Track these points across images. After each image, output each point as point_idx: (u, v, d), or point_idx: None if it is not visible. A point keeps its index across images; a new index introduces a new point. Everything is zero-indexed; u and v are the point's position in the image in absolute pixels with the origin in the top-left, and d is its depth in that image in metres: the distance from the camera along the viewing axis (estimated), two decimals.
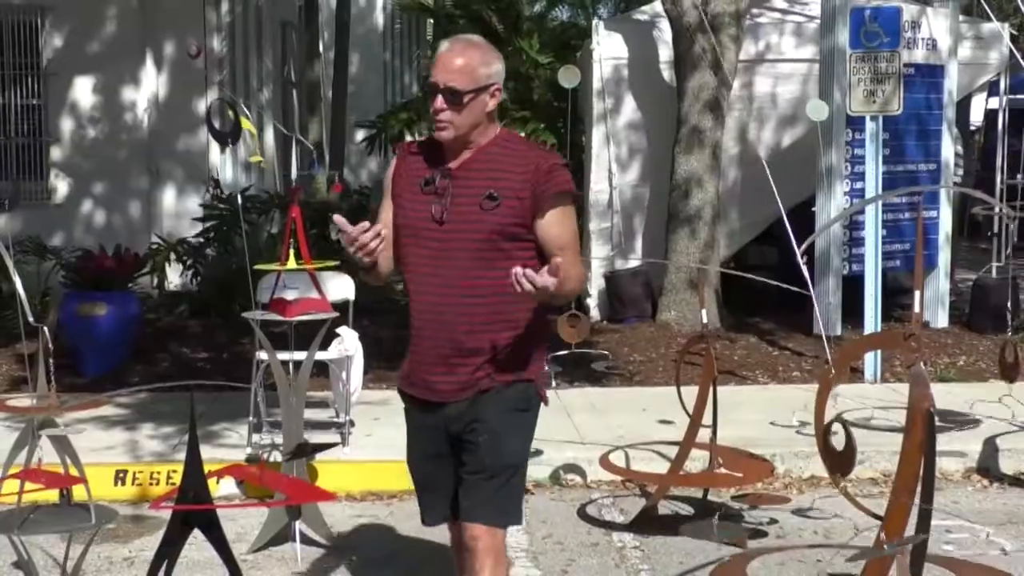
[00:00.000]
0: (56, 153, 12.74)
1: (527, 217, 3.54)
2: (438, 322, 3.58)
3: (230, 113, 5.64)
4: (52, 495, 3.26)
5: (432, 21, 16.93)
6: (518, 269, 3.28)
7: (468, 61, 3.55)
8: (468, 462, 3.63)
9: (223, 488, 6.01)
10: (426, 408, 3.69)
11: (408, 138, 14.75)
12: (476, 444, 3.59)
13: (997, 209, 10.13)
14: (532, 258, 3.54)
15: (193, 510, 3.21)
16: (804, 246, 5.43)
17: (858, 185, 9.60)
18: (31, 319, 3.93)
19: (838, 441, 4.38)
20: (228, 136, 5.50)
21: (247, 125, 6.00)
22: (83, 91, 12.69)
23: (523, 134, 12.57)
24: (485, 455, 3.58)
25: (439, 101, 3.52)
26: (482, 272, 3.53)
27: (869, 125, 9.00)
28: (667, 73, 11.02)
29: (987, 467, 6.84)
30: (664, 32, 10.93)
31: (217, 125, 6.05)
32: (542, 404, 3.73)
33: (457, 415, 3.63)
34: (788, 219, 7.79)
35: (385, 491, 6.38)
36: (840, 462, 5.27)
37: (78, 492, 3.57)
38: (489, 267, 3.52)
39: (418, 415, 3.74)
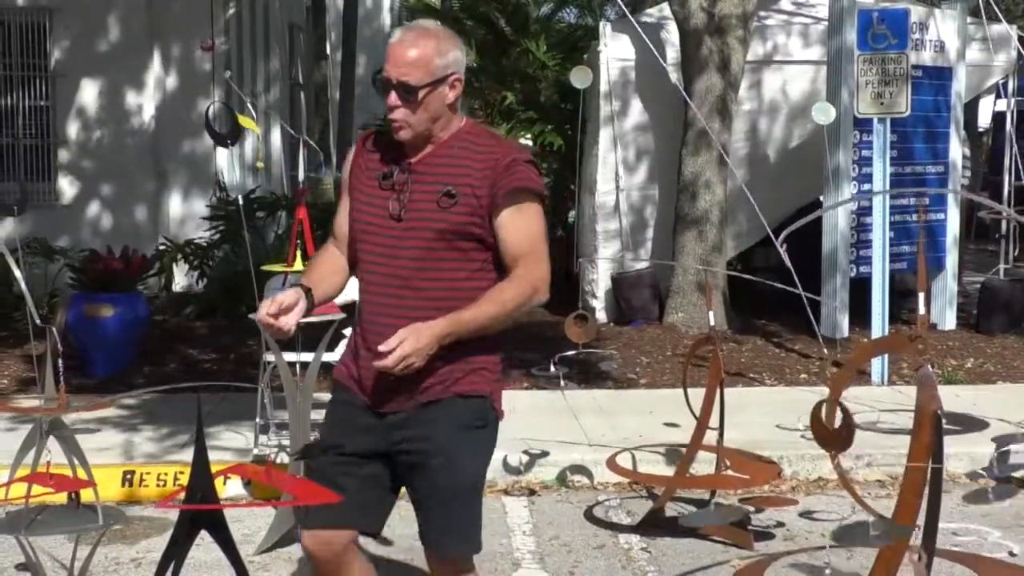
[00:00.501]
0: (63, 155, 12.75)
1: (485, 216, 3.29)
2: (389, 323, 3.27)
3: (229, 114, 5.64)
4: (60, 496, 3.26)
5: (439, 23, 16.95)
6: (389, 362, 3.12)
7: (422, 52, 3.27)
8: (420, 484, 3.37)
9: (230, 489, 6.02)
10: (364, 409, 3.39)
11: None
12: (428, 466, 3.32)
13: (1004, 214, 10.12)
14: (488, 260, 3.34)
15: (200, 511, 3.21)
16: (783, 235, 5.43)
17: (865, 186, 9.59)
18: (38, 321, 3.93)
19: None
20: (227, 137, 5.49)
21: (248, 123, 5.99)
22: (90, 93, 12.70)
23: (530, 136, 12.58)
24: (438, 477, 3.31)
25: (392, 98, 3.28)
26: (438, 273, 3.30)
27: (876, 127, 8.99)
28: (674, 75, 11.01)
29: (995, 470, 6.82)
30: (672, 34, 10.92)
31: (216, 127, 6.06)
32: (499, 420, 3.46)
33: (401, 423, 3.35)
34: (796, 217, 7.78)
35: None
36: (836, 438, 5.30)
37: (85, 493, 3.57)
38: (445, 268, 3.30)
39: (352, 410, 3.41)
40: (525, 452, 6.74)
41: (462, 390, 3.34)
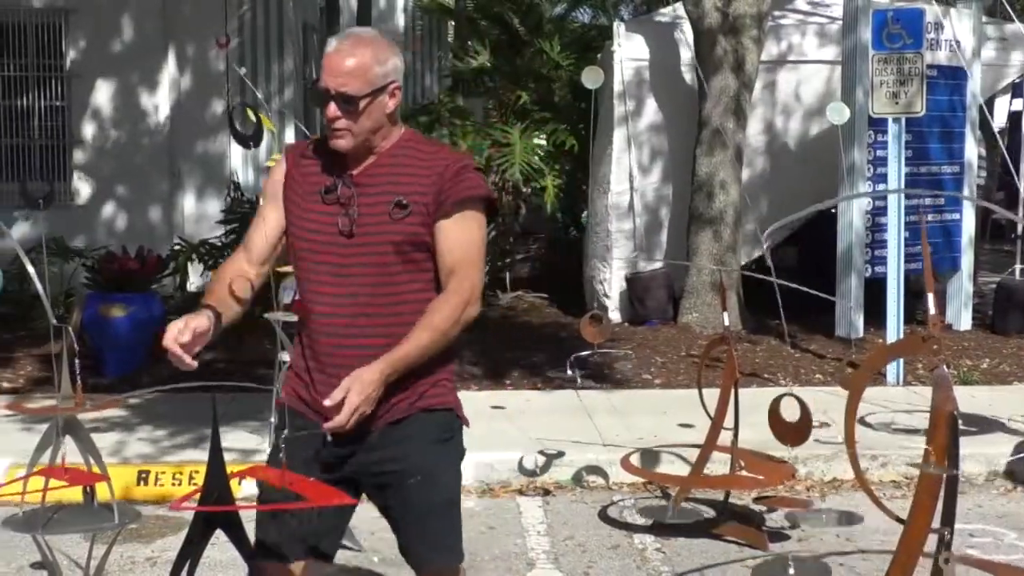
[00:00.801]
0: (79, 155, 12.78)
1: (431, 224, 3.19)
2: (342, 343, 3.19)
3: (251, 115, 5.63)
4: (76, 495, 3.27)
5: (453, 23, 16.93)
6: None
7: (360, 62, 3.15)
8: (396, 504, 3.27)
9: (245, 490, 6.03)
10: (322, 435, 3.17)
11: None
12: (404, 486, 3.22)
13: (1021, 221, 10.09)
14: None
15: (215, 511, 3.22)
16: (769, 230, 5.44)
17: (881, 186, 9.56)
18: (54, 320, 3.94)
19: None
20: (250, 139, 5.49)
21: (266, 123, 6.01)
22: (105, 93, 12.74)
23: (544, 136, 12.56)
24: (416, 496, 3.22)
25: (332, 109, 3.15)
26: (392, 288, 3.20)
27: (892, 127, 8.96)
28: (688, 75, 11.01)
29: (1011, 471, 6.80)
30: (686, 34, 10.91)
31: (239, 128, 6.06)
32: (464, 427, 3.37)
33: (370, 445, 3.21)
34: (810, 219, 7.76)
35: None
36: (793, 432, 5.34)
37: (101, 492, 3.58)
38: (400, 281, 3.20)
39: (308, 441, 3.21)
40: (540, 452, 6.74)
41: (427, 404, 3.25)
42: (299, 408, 3.31)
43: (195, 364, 3.06)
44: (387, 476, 3.24)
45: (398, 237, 3.18)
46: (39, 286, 3.49)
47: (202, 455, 3.60)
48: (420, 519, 3.25)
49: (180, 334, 3.04)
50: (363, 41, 3.20)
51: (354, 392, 3.01)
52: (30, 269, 3.22)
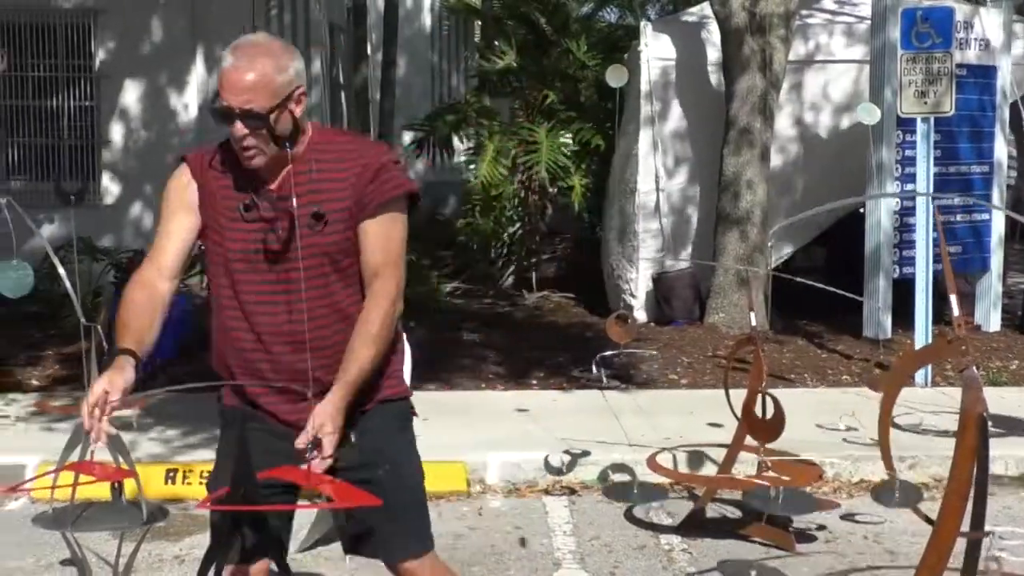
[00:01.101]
0: (107, 155, 12.86)
1: (355, 226, 3.13)
2: (290, 354, 3.15)
3: None
4: (105, 491, 3.28)
5: (480, 23, 16.94)
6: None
7: (261, 74, 2.99)
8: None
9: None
10: (275, 435, 3.20)
11: (407, 137, 14.69)
12: (372, 478, 3.15)
13: None
14: None
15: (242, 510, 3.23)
16: (775, 229, 5.42)
17: (909, 186, 9.52)
18: (83, 319, 3.96)
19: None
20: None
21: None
22: (134, 93, 12.81)
23: (570, 135, 12.56)
24: (386, 484, 3.17)
25: (239, 128, 3.02)
26: (330, 296, 3.16)
27: (920, 126, 8.92)
28: (715, 75, 10.99)
29: None
30: (713, 34, 10.89)
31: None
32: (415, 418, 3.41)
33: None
34: (839, 219, 7.72)
35: (432, 492, 6.33)
36: (766, 429, 5.35)
37: (130, 490, 3.60)
38: (336, 289, 3.16)
39: (267, 437, 3.19)
40: (566, 452, 6.73)
41: (385, 396, 3.27)
42: (234, 403, 3.34)
43: (113, 431, 2.96)
44: (352, 472, 3.17)
45: (321, 249, 3.12)
46: (68, 285, 3.51)
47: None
48: (391, 509, 3.17)
49: (107, 402, 2.92)
50: (260, 51, 3.04)
51: (328, 427, 3.00)
52: (60, 270, 3.22)
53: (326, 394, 3.11)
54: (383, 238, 3.17)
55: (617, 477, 6.63)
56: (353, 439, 3.19)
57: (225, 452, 3.40)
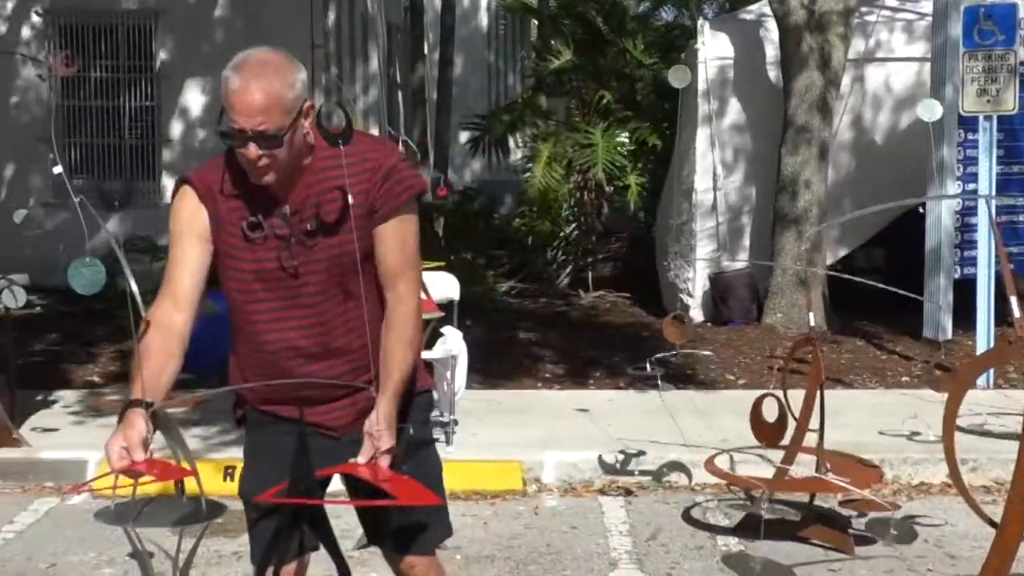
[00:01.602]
0: (167, 154, 13.00)
1: (369, 228, 3.08)
2: (309, 370, 3.14)
3: (341, 115, 5.68)
4: (166, 487, 3.32)
5: (536, 22, 16.94)
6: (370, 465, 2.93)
7: (270, 94, 2.91)
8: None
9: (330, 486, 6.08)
10: (316, 433, 3.18)
11: (463, 137, 14.67)
12: (398, 470, 3.10)
13: None
14: None
15: (303, 505, 3.25)
16: (813, 231, 5.38)
17: (970, 185, 9.40)
18: (143, 313, 3.99)
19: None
20: (339, 137, 5.54)
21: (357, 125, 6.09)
22: (194, 93, 12.94)
23: (626, 135, 12.53)
24: (413, 477, 3.11)
25: (252, 150, 2.92)
26: (350, 307, 3.11)
27: (983, 124, 8.80)
28: (773, 73, 10.92)
29: None
30: (771, 31, 10.82)
31: (328, 127, 6.11)
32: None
33: (356, 440, 3.08)
34: (899, 219, 7.65)
35: (489, 491, 6.40)
36: (770, 433, 5.32)
37: (190, 486, 3.64)
38: (356, 295, 3.08)
39: (287, 438, 3.13)
40: (622, 452, 6.72)
41: (412, 389, 3.23)
42: (261, 405, 3.29)
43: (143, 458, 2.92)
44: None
45: (339, 259, 3.08)
46: (132, 283, 3.55)
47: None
48: (412, 510, 3.19)
49: (131, 457, 2.89)
50: (266, 68, 2.96)
51: (385, 440, 2.98)
52: (126, 268, 3.26)
53: (352, 397, 3.14)
54: (399, 240, 3.12)
55: (673, 477, 6.62)
56: (411, 431, 3.19)
57: (252, 453, 3.41)
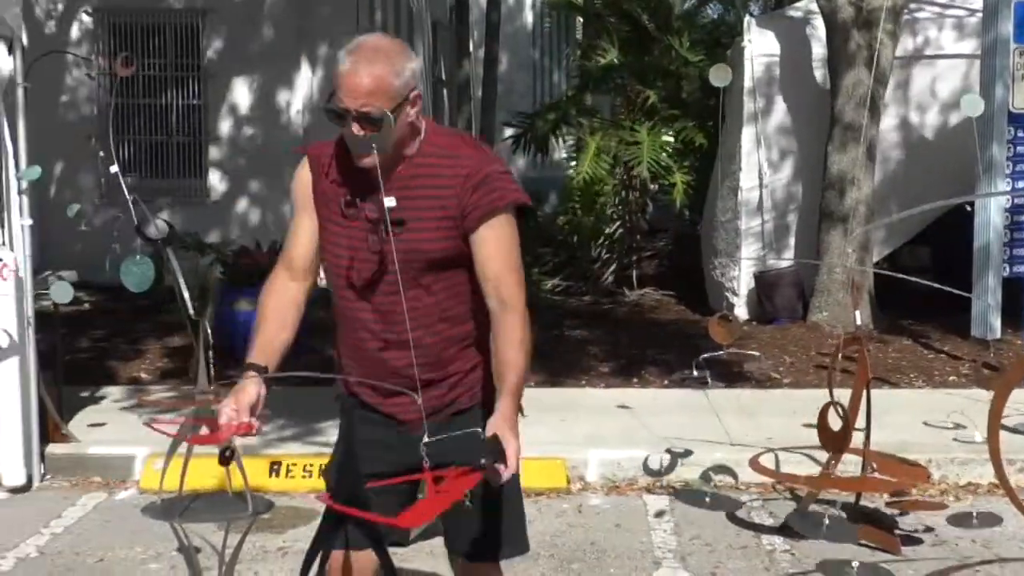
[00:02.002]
0: (214, 152, 13.09)
1: (459, 233, 3.12)
2: (393, 355, 3.20)
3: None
4: (212, 483, 3.35)
5: (581, 19, 16.91)
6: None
7: (378, 78, 3.00)
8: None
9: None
10: (385, 426, 3.27)
11: (507, 134, 14.65)
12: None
13: None
14: (472, 278, 3.19)
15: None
16: (860, 231, 5.34)
17: (1020, 184, 9.31)
18: (192, 313, 4.05)
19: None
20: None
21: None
22: (241, 92, 13.02)
23: (672, 134, 12.48)
24: (480, 486, 3.06)
25: (355, 128, 3.03)
26: (432, 296, 3.17)
27: None
28: (820, 70, 10.85)
29: None
30: (818, 29, 10.75)
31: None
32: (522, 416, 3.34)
33: (431, 435, 3.11)
34: (945, 218, 7.58)
35: (533, 488, 6.39)
36: (836, 440, 5.28)
37: (236, 482, 3.67)
38: (434, 291, 3.17)
39: (374, 427, 3.27)
40: (667, 451, 6.70)
41: (489, 394, 3.22)
42: (368, 401, 3.32)
43: (256, 424, 3.07)
44: (452, 467, 3.16)
45: (422, 251, 3.13)
46: (180, 281, 3.59)
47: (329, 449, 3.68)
48: (484, 511, 3.23)
49: (239, 419, 3.04)
50: (377, 53, 3.04)
51: (512, 447, 2.94)
52: (174, 264, 3.30)
53: (419, 390, 3.12)
54: (496, 245, 3.13)
55: (719, 477, 6.59)
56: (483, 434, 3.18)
57: (339, 437, 3.46)
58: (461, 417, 3.26)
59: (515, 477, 3.22)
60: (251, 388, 3.08)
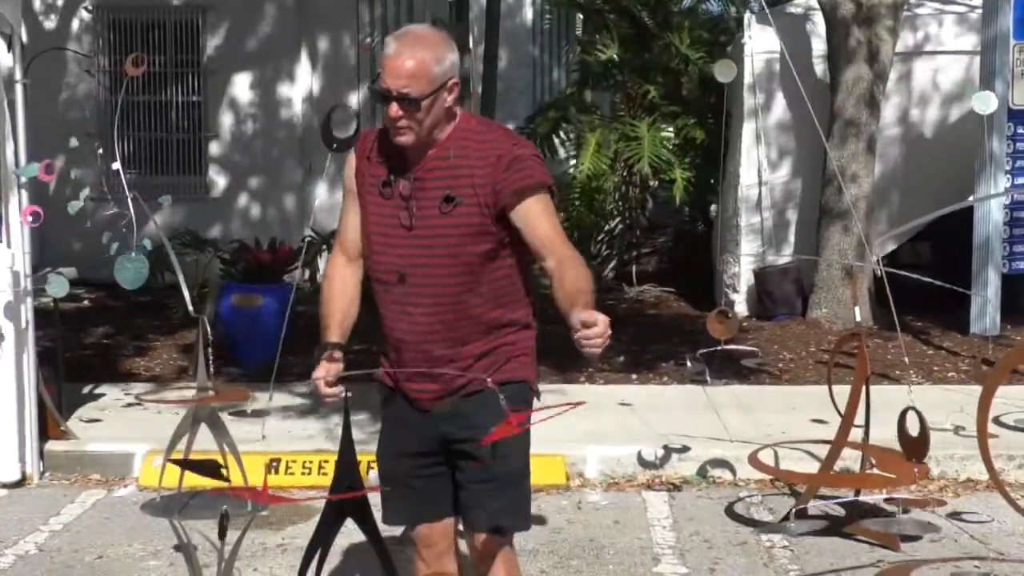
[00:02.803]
0: (214, 148, 13.09)
1: (491, 215, 3.30)
2: (412, 332, 3.37)
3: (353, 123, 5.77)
4: (209, 482, 3.35)
5: (581, 16, 16.89)
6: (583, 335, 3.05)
7: (420, 63, 3.24)
8: (472, 471, 3.41)
9: (373, 478, 6.11)
10: (409, 409, 3.48)
11: (511, 126, 14.68)
12: (478, 455, 3.34)
13: None
14: (505, 257, 3.37)
15: (347, 500, 3.28)
16: (883, 237, 5.33)
17: (1020, 180, 9.31)
18: (191, 310, 4.05)
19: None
20: (345, 141, 5.58)
21: None
22: (241, 88, 13.01)
23: (672, 130, 12.47)
24: (492, 464, 3.35)
25: (394, 109, 3.25)
26: (459, 277, 3.32)
27: None
28: (820, 67, 10.84)
29: None
30: (818, 25, 10.75)
31: (334, 130, 6.17)
32: (536, 401, 3.54)
33: (447, 414, 3.42)
34: (947, 215, 7.58)
35: (535, 484, 6.39)
36: (915, 447, 5.27)
37: (235, 479, 3.67)
38: (466, 271, 3.32)
39: (400, 410, 3.51)
40: (665, 447, 6.71)
41: (503, 378, 3.36)
42: (391, 386, 3.52)
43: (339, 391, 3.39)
44: (464, 444, 3.38)
45: (451, 231, 3.30)
46: (182, 279, 3.59)
47: (332, 445, 3.69)
48: (492, 487, 3.40)
49: (330, 385, 3.37)
50: (422, 41, 3.27)
51: (602, 323, 3.07)
52: (174, 261, 3.31)
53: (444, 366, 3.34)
54: (540, 214, 3.31)
55: (717, 473, 6.60)
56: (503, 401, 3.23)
57: (384, 422, 3.62)
58: (474, 398, 3.38)
59: (528, 460, 3.49)
60: (337, 360, 3.41)
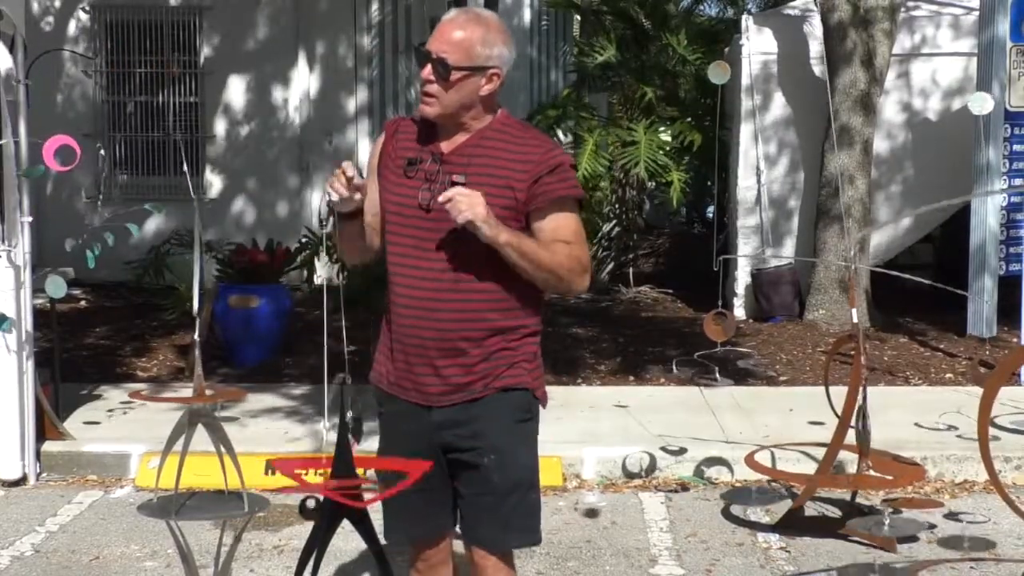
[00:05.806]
0: (211, 150, 13.08)
1: (520, 211, 3.23)
2: (421, 318, 3.26)
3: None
4: (207, 482, 3.35)
5: (579, 17, 16.90)
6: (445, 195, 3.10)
7: (467, 36, 3.21)
8: (472, 482, 3.30)
9: (371, 476, 6.10)
10: (408, 412, 3.35)
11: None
12: (480, 464, 3.26)
13: None
14: None
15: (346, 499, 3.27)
16: (860, 235, 5.34)
17: (1017, 182, 9.31)
18: (194, 311, 4.04)
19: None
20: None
21: None
22: (238, 90, 13.01)
23: (670, 132, 12.48)
24: (493, 475, 3.26)
25: (427, 71, 3.23)
26: (470, 266, 3.23)
27: None
28: (817, 68, 10.86)
29: None
30: (815, 27, 10.76)
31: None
32: (542, 408, 3.43)
33: (447, 422, 3.29)
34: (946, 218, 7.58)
35: None
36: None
37: (232, 480, 3.66)
38: (478, 261, 3.21)
39: (397, 419, 3.39)
40: (663, 448, 6.71)
41: (504, 384, 3.29)
42: (388, 389, 3.41)
43: (344, 193, 3.25)
44: (466, 454, 3.29)
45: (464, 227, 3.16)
46: (196, 281, 3.60)
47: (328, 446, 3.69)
48: (496, 499, 3.28)
49: (349, 175, 3.23)
50: (479, 19, 3.25)
51: (467, 196, 3.11)
52: (196, 266, 3.32)
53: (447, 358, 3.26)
54: (566, 224, 3.26)
55: (713, 474, 6.60)
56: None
57: (381, 430, 3.52)
58: (476, 405, 3.29)
59: (533, 470, 3.36)
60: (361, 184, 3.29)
